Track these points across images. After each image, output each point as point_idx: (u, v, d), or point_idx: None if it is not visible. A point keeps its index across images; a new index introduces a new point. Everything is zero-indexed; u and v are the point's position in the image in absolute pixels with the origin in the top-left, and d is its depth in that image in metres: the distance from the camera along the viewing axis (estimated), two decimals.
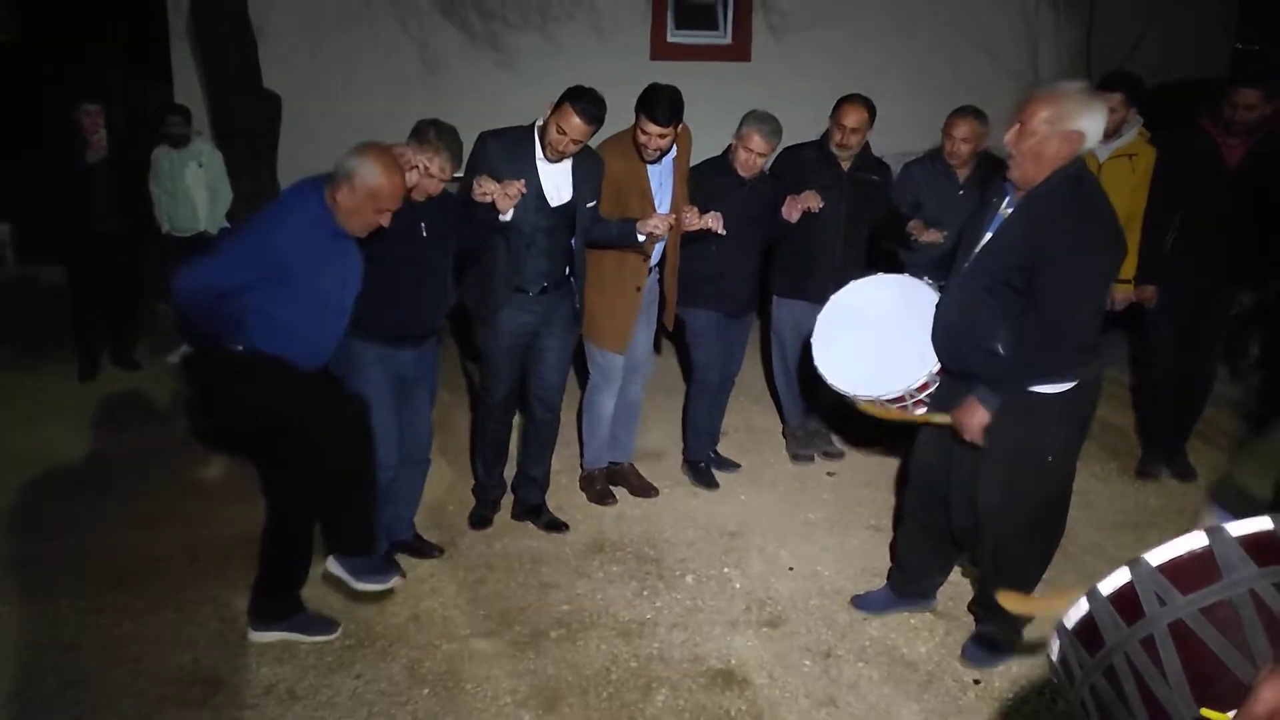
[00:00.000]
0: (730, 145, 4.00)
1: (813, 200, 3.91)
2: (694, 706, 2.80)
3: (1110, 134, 4.13)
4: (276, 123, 7.29)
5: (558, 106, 3.35)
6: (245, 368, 2.77)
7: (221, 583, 3.37)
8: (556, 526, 3.87)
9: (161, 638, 3.05)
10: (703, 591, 3.45)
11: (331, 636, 3.05)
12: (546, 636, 3.13)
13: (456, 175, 3.28)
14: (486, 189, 3.21)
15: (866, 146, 4.26)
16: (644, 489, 4.22)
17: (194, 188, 6.35)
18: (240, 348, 2.75)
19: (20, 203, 6.72)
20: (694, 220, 3.64)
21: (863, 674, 2.98)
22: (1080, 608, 1.10)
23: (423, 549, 3.61)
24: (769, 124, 3.87)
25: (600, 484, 4.17)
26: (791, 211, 3.93)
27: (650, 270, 3.93)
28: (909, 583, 3.28)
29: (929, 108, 5.38)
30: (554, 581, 3.48)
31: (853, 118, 4.08)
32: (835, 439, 4.74)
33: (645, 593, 3.43)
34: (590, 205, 3.58)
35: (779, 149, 4.07)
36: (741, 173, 3.94)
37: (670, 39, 8.00)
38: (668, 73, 7.90)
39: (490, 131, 3.47)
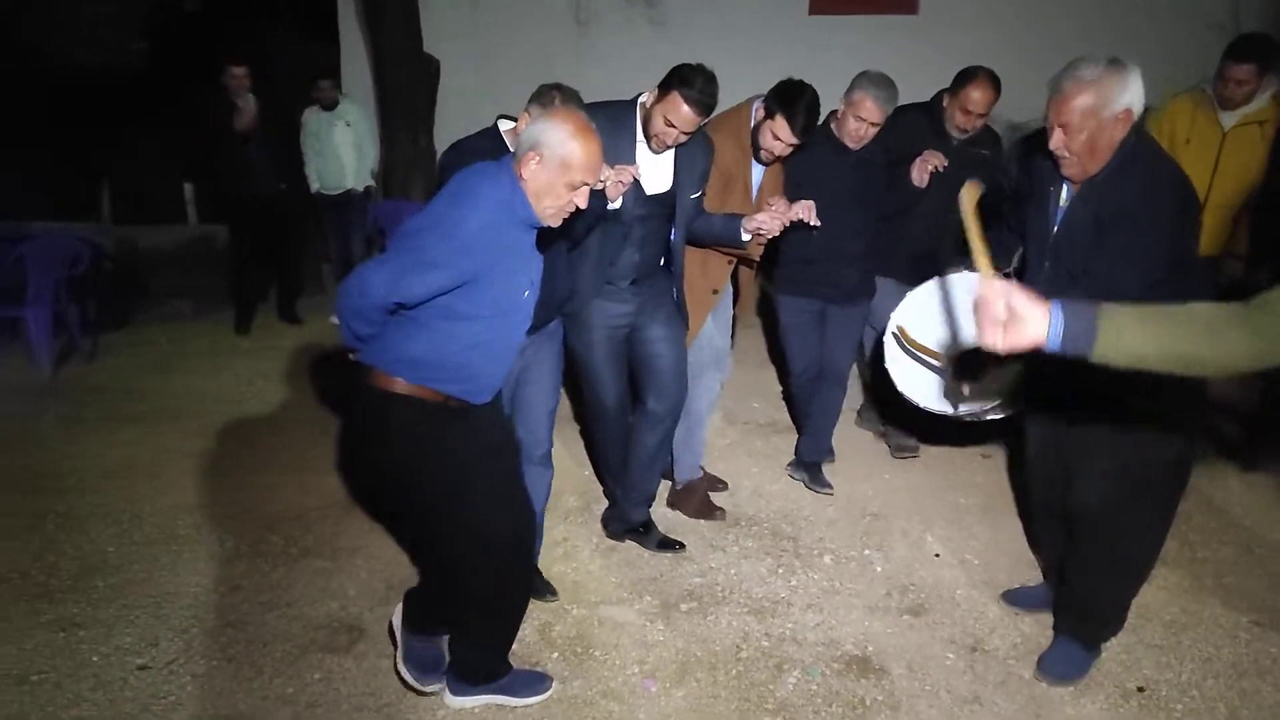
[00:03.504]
0: (836, 111, 3.50)
1: (938, 159, 3.51)
2: (826, 692, 2.70)
3: (1238, 104, 3.70)
4: (434, 87, 7.47)
5: (664, 94, 2.91)
6: (399, 420, 2.29)
7: (373, 534, 3.50)
8: (669, 546, 3.45)
9: (314, 584, 3.19)
10: (841, 573, 3.33)
11: (544, 696, 2.64)
12: (677, 609, 3.09)
13: None
14: (602, 175, 2.77)
15: None
16: (705, 511, 3.72)
17: (342, 146, 6.67)
18: (400, 381, 2.27)
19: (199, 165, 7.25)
20: (781, 211, 3.20)
21: (1012, 672, 2.79)
22: None
23: None
24: (885, 89, 3.35)
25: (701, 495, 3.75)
26: (922, 175, 3.52)
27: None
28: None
29: None
30: (687, 553, 3.42)
31: (981, 101, 3.61)
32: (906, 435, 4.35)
33: (780, 570, 3.34)
34: (695, 196, 3.18)
35: None
36: (849, 143, 3.46)
37: None
38: (828, 28, 7.68)
39: (587, 106, 2.94)
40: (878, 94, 3.35)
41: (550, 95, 2.73)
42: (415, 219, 2.22)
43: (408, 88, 7.19)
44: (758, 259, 3.56)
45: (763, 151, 3.30)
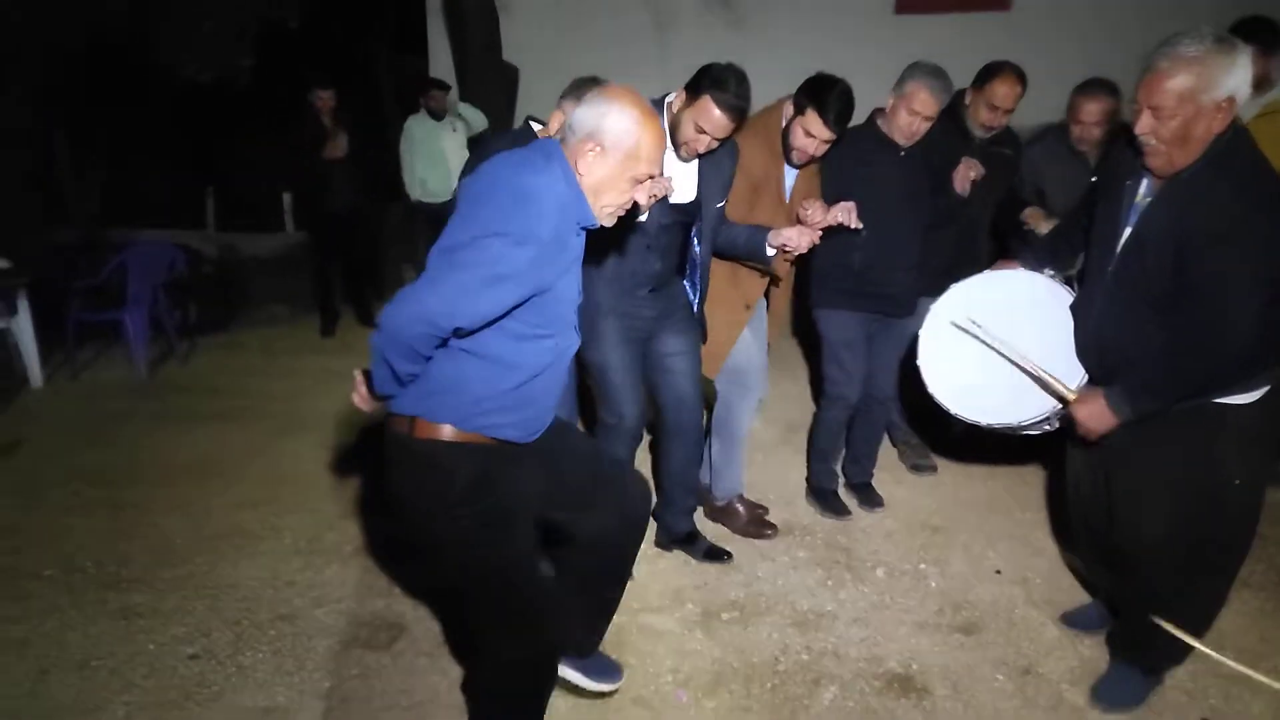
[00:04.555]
0: (883, 108, 3.32)
1: (977, 169, 3.37)
2: (863, 710, 2.60)
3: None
4: (514, 94, 7.58)
5: (694, 97, 2.68)
6: (455, 476, 1.96)
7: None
8: (717, 556, 3.36)
9: (363, 581, 3.26)
10: (893, 587, 3.22)
11: (614, 685, 2.62)
12: (717, 618, 3.04)
13: None
14: None
15: None
16: (755, 528, 3.57)
17: (450, 152, 6.72)
18: (447, 428, 1.94)
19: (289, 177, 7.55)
20: (817, 215, 2.97)
21: (1064, 698, 2.64)
22: None
23: None
24: (940, 79, 3.15)
25: (748, 514, 3.60)
26: (964, 182, 3.37)
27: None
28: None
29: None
30: (735, 562, 3.36)
31: (1008, 96, 3.43)
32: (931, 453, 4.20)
33: (829, 582, 3.25)
34: (719, 206, 2.99)
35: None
36: (900, 140, 3.26)
37: None
38: (915, 26, 7.47)
39: None
40: (933, 84, 3.17)
41: (586, 89, 2.54)
42: (462, 229, 1.83)
43: (488, 96, 7.32)
44: (783, 276, 3.39)
45: (794, 152, 3.11)
